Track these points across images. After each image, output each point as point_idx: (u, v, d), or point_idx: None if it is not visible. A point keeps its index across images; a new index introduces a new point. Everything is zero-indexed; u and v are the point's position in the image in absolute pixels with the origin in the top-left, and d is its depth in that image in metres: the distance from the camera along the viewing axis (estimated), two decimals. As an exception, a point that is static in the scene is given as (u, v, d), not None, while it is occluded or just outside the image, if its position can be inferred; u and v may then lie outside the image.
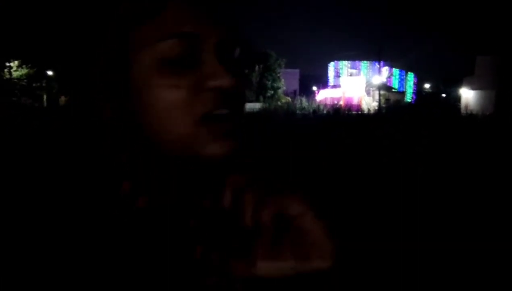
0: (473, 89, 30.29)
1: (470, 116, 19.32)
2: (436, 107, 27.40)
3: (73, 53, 0.53)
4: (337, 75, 51.19)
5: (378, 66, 44.78)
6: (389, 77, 49.70)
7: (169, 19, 0.50)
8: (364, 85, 43.02)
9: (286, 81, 45.53)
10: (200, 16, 0.51)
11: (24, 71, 24.47)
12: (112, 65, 0.51)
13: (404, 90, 49.65)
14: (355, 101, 38.61)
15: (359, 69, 51.79)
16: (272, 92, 42.31)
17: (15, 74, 24.51)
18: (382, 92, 41.37)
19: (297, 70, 55.70)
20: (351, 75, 49.41)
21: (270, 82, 42.46)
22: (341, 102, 37.50)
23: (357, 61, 52.91)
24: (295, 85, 52.73)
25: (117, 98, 0.52)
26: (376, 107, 33.17)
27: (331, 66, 53.02)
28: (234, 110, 0.53)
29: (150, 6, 0.50)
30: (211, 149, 0.52)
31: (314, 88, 47.68)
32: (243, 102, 0.56)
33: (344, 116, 19.88)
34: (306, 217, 0.44)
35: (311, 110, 26.28)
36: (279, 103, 31.91)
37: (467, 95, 31.38)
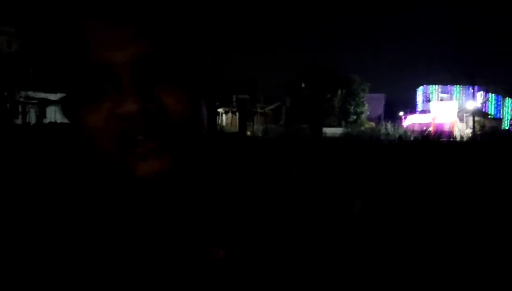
0: None
1: None
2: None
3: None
4: (427, 100, 48.51)
5: (472, 91, 41.81)
6: (484, 102, 46.20)
7: (82, 47, 0.50)
8: (457, 111, 40.32)
9: (370, 106, 43.99)
10: (109, 41, 0.50)
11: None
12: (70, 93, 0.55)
13: (501, 116, 45.89)
14: (446, 128, 36.11)
15: (451, 94, 48.75)
16: (355, 117, 41.06)
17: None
18: (476, 118, 38.35)
19: (382, 95, 53.75)
20: (442, 100, 46.64)
21: (353, 107, 41.28)
22: (431, 128, 35.24)
23: (448, 86, 49.87)
24: (380, 110, 50.80)
25: (72, 114, 0.55)
26: (470, 134, 30.69)
27: (420, 91, 50.43)
28: (157, 130, 0.52)
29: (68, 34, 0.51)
30: (135, 169, 0.52)
31: (401, 113, 45.57)
32: (177, 119, 0.53)
33: (434, 143, 18.36)
34: None
35: (397, 136, 24.69)
36: (362, 128, 30.66)
37: None
